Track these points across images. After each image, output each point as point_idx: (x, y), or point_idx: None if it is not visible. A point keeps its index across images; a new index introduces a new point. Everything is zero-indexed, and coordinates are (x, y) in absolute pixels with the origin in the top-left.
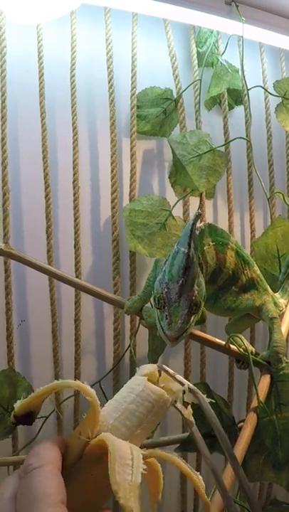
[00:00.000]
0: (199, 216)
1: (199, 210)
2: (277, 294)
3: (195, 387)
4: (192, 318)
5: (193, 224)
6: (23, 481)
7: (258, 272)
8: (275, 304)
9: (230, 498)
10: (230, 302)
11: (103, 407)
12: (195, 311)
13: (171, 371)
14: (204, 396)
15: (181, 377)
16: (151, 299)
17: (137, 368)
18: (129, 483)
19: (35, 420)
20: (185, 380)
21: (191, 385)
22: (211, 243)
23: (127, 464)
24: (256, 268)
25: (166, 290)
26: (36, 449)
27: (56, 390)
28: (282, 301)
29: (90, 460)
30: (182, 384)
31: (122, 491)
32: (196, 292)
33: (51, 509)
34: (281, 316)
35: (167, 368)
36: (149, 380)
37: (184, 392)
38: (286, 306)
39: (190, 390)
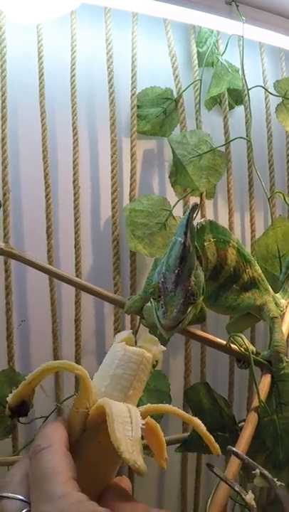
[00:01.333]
0: (196, 207)
1: (196, 202)
2: (278, 295)
3: (266, 472)
4: (189, 309)
5: (190, 214)
6: (33, 462)
7: (260, 271)
8: (276, 304)
9: None
10: (231, 300)
11: (92, 381)
12: (192, 301)
13: (240, 453)
14: (275, 479)
15: (251, 461)
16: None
17: (114, 337)
18: (130, 438)
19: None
20: (257, 465)
21: (262, 469)
22: (212, 239)
23: (126, 421)
24: (258, 267)
25: (162, 280)
26: (43, 430)
27: (44, 375)
28: (283, 302)
29: (93, 429)
30: (254, 468)
31: (124, 445)
32: (193, 283)
33: (62, 485)
34: (282, 316)
35: (236, 451)
36: (126, 344)
37: (254, 475)
38: (287, 306)
39: (261, 474)
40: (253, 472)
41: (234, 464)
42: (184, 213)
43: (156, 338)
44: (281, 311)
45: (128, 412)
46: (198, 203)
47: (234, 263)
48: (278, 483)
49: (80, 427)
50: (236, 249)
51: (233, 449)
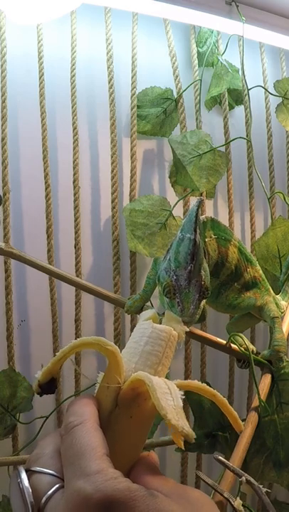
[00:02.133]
0: (202, 202)
1: (201, 197)
2: (278, 296)
3: (252, 479)
4: (201, 303)
5: (197, 210)
6: (66, 438)
7: (261, 272)
8: (277, 305)
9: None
10: (232, 299)
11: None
12: (206, 295)
13: (226, 462)
14: (261, 486)
15: (237, 469)
16: (159, 285)
17: (138, 316)
18: (174, 407)
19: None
20: (243, 472)
21: (248, 477)
22: (213, 236)
23: (166, 392)
24: (258, 268)
25: (174, 277)
26: (73, 408)
27: (77, 350)
28: (283, 303)
29: (125, 404)
30: (240, 476)
31: (170, 413)
32: (204, 277)
33: (97, 461)
34: (282, 317)
35: (222, 459)
36: (154, 321)
37: (240, 482)
38: (287, 307)
39: (247, 481)
40: (240, 480)
41: (228, 473)
42: (190, 209)
43: (180, 317)
44: (282, 312)
45: (165, 384)
46: (203, 198)
47: (235, 261)
48: (264, 489)
49: (111, 403)
50: (237, 248)
51: (219, 457)
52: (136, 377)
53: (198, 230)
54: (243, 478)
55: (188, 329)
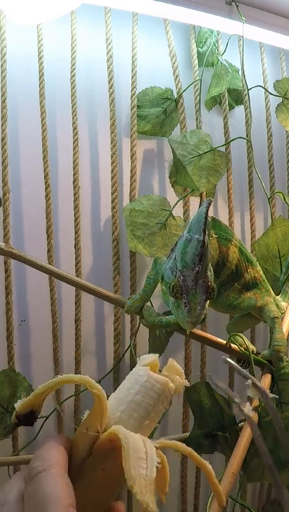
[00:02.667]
0: (211, 203)
1: (210, 198)
2: (278, 297)
3: (259, 382)
4: (207, 303)
5: (206, 211)
6: (30, 486)
7: (261, 272)
8: (277, 306)
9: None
10: (232, 299)
11: (107, 401)
12: (211, 296)
13: (233, 363)
14: (268, 392)
15: (242, 370)
16: (162, 284)
17: (138, 359)
18: (145, 478)
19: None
20: (250, 375)
21: (255, 380)
22: (214, 235)
23: (142, 457)
24: (259, 269)
25: (182, 278)
26: (40, 451)
27: (59, 386)
28: (283, 304)
29: (101, 455)
30: (247, 378)
31: (138, 485)
32: (210, 278)
33: None
34: (282, 318)
35: (230, 361)
36: (150, 369)
37: (248, 386)
38: (287, 308)
39: (253, 384)
40: (246, 383)
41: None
42: (199, 210)
43: (182, 369)
44: (282, 313)
45: (144, 446)
46: (212, 199)
47: (236, 261)
48: (271, 395)
49: (86, 450)
50: (238, 248)
51: (228, 359)
52: (114, 430)
53: (207, 232)
54: (249, 381)
55: (188, 384)
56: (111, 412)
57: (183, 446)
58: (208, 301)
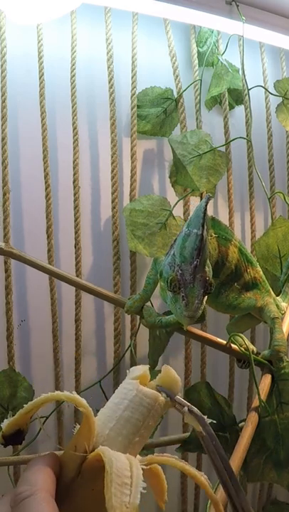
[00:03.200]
0: (210, 198)
1: (209, 194)
2: (279, 298)
3: (195, 408)
4: (205, 299)
5: (205, 206)
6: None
7: (261, 273)
8: (277, 306)
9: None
10: (232, 299)
11: (96, 416)
12: (210, 290)
13: (166, 390)
14: (205, 417)
15: (180, 398)
16: (161, 280)
17: (127, 371)
18: (127, 506)
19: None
20: (185, 401)
21: (191, 406)
22: (214, 235)
23: (126, 482)
24: (259, 269)
25: (180, 272)
26: (27, 474)
27: (46, 404)
28: (283, 305)
29: (89, 475)
30: (183, 406)
31: None
32: (208, 273)
33: None
34: (282, 318)
35: (163, 389)
36: (140, 382)
37: (183, 413)
38: (287, 309)
39: (189, 411)
40: (182, 410)
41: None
42: (198, 205)
43: (177, 378)
44: (282, 313)
45: (130, 470)
46: (210, 195)
47: (235, 261)
48: (208, 420)
49: (75, 469)
50: (238, 248)
51: (159, 386)
52: (100, 451)
53: (205, 226)
54: (185, 408)
55: (185, 410)
56: (100, 429)
57: (174, 461)
58: (207, 299)
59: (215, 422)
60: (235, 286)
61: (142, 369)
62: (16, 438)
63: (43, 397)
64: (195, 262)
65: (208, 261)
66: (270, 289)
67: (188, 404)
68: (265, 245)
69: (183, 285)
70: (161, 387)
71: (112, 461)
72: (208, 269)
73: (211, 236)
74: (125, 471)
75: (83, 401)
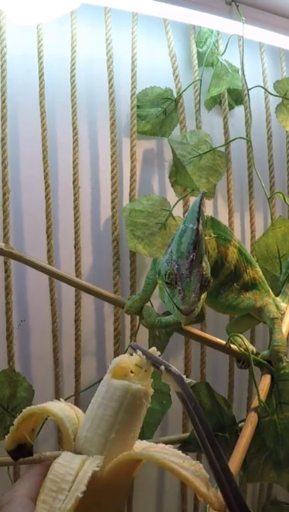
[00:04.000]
0: (205, 194)
1: (205, 190)
2: (278, 298)
3: (173, 367)
4: (203, 295)
5: (200, 201)
6: None
7: (260, 273)
8: (277, 306)
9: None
10: (231, 299)
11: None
12: (206, 285)
13: (141, 348)
14: (185, 377)
15: (156, 357)
16: (159, 279)
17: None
18: (58, 510)
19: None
20: (162, 360)
21: (168, 364)
22: (213, 235)
23: (63, 488)
24: (258, 269)
25: (176, 267)
26: (15, 484)
27: (26, 419)
28: (283, 305)
29: None
30: (160, 364)
31: None
32: (205, 268)
33: None
34: (281, 318)
35: (137, 345)
36: (120, 373)
37: (160, 372)
38: (286, 309)
39: (167, 370)
40: (160, 368)
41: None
42: (194, 201)
43: (180, 306)
44: (281, 314)
45: (75, 473)
46: (205, 190)
47: (235, 261)
48: (187, 380)
49: None
50: (237, 248)
51: (134, 343)
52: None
53: (200, 221)
54: (162, 367)
55: (162, 369)
56: (80, 431)
57: (150, 455)
58: (206, 300)
59: (194, 381)
60: (235, 286)
61: (122, 358)
62: (20, 452)
63: (21, 414)
64: (191, 256)
65: (205, 257)
66: (270, 289)
67: (165, 362)
68: (264, 245)
69: (180, 279)
70: (135, 344)
71: (53, 466)
72: (206, 266)
73: (211, 236)
74: (67, 475)
75: (53, 410)
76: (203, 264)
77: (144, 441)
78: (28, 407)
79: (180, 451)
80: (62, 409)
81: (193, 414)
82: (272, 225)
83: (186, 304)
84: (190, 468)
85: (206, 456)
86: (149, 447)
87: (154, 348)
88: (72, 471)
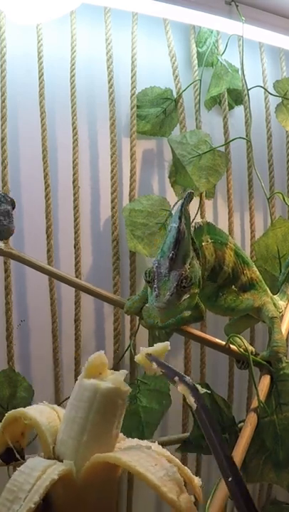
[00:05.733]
0: (191, 194)
1: (191, 190)
2: (276, 296)
3: (187, 378)
4: (184, 296)
5: (184, 201)
6: None
7: (257, 273)
8: (275, 305)
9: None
10: (230, 301)
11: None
12: (186, 285)
13: (157, 359)
14: (199, 387)
15: (171, 367)
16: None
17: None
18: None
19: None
20: (177, 371)
21: (183, 375)
22: (210, 240)
23: (19, 497)
24: (255, 269)
25: (156, 265)
26: None
27: (6, 424)
28: (281, 303)
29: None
30: (174, 375)
31: None
32: (188, 269)
33: None
34: (281, 317)
35: (154, 357)
36: (94, 371)
37: (174, 382)
38: (285, 308)
39: (182, 380)
40: (174, 379)
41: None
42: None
43: (154, 304)
44: (280, 312)
45: (34, 482)
46: (192, 191)
47: (232, 264)
48: (202, 390)
49: None
50: (234, 250)
51: (151, 355)
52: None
53: (182, 220)
54: (176, 377)
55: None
56: (58, 434)
57: (115, 457)
58: (206, 304)
59: (209, 392)
60: (233, 288)
61: (91, 358)
62: (10, 456)
63: (4, 419)
64: (171, 255)
65: (193, 261)
66: (267, 289)
67: (180, 373)
68: (264, 246)
69: (157, 277)
70: (152, 356)
71: (14, 474)
72: (191, 269)
73: (208, 242)
74: (26, 484)
75: (30, 413)
76: (187, 265)
77: (135, 439)
78: (10, 411)
79: (164, 450)
80: (41, 412)
81: (207, 425)
82: (272, 226)
83: (159, 302)
84: (160, 471)
85: (220, 469)
86: (130, 448)
87: (95, 356)
88: (32, 479)
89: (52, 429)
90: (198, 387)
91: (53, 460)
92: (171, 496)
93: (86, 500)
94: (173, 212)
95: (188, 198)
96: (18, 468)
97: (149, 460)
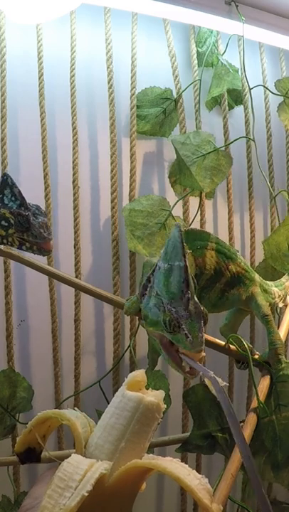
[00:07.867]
0: (180, 227)
1: (178, 222)
2: (270, 282)
3: (211, 373)
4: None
5: (181, 236)
6: None
7: (242, 263)
8: (266, 291)
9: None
10: (215, 299)
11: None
12: (205, 318)
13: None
14: (220, 380)
15: (197, 364)
16: (147, 326)
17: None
18: (61, 507)
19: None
20: (204, 368)
21: (208, 372)
22: (188, 251)
23: (70, 486)
24: (240, 260)
25: (173, 310)
26: (33, 489)
27: (41, 422)
28: (275, 290)
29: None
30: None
31: None
32: (198, 303)
33: None
34: (281, 317)
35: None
36: (134, 387)
37: (203, 377)
38: (280, 297)
39: (206, 376)
40: (204, 378)
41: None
42: (171, 237)
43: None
44: (272, 299)
45: (83, 474)
46: (180, 223)
47: (214, 265)
48: (223, 383)
49: None
50: (215, 250)
51: (182, 355)
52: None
53: (186, 256)
54: (201, 373)
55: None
56: (91, 439)
57: (169, 470)
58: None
59: (227, 384)
60: (217, 286)
61: (137, 374)
62: (29, 456)
63: (35, 418)
64: (187, 296)
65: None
66: (255, 276)
67: (205, 369)
68: (274, 244)
69: (183, 323)
70: (183, 355)
71: (63, 465)
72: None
73: (187, 253)
74: (75, 474)
75: (68, 414)
76: (195, 298)
77: (151, 454)
78: (43, 411)
79: (186, 465)
80: (76, 416)
81: (231, 413)
82: (283, 223)
83: (197, 346)
84: (195, 480)
85: (241, 454)
86: (158, 459)
87: (137, 373)
88: (81, 471)
89: (85, 434)
90: (219, 380)
91: (92, 459)
92: (206, 502)
93: (110, 504)
94: (168, 249)
95: (181, 232)
96: (66, 460)
97: (184, 470)
